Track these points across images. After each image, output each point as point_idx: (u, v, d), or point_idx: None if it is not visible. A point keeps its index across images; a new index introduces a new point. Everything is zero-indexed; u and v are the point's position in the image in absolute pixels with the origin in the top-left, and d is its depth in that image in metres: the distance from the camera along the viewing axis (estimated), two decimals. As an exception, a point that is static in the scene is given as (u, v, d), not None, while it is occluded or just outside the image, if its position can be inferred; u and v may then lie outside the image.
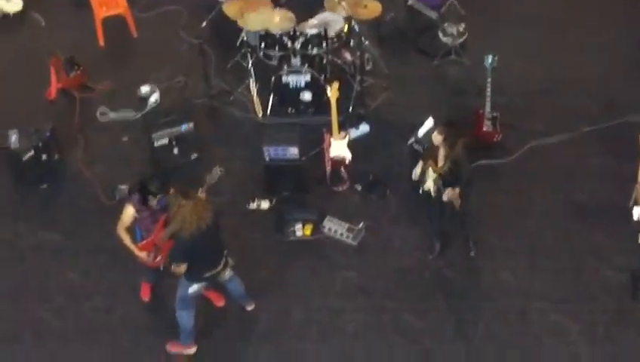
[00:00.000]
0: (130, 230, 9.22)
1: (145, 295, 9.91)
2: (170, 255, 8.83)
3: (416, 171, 9.54)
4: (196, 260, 8.72)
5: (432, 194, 9.55)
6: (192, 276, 8.88)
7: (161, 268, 9.44)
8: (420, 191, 9.67)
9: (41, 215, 10.78)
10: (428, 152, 9.46)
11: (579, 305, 9.66)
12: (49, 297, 10.00)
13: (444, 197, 9.37)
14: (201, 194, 8.88)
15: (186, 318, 9.16)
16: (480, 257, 10.07)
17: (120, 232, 9.15)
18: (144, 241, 9.19)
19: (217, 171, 9.11)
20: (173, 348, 9.44)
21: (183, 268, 8.69)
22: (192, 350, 9.41)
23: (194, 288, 8.96)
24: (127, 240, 9.17)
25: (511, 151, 11.01)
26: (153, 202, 9.01)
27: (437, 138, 9.22)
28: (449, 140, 9.15)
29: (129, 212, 9.12)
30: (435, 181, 9.44)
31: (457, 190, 9.32)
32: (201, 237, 8.56)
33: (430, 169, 9.41)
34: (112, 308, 9.87)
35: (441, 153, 9.27)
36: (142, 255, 9.22)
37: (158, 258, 9.26)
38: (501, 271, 9.98)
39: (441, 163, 9.31)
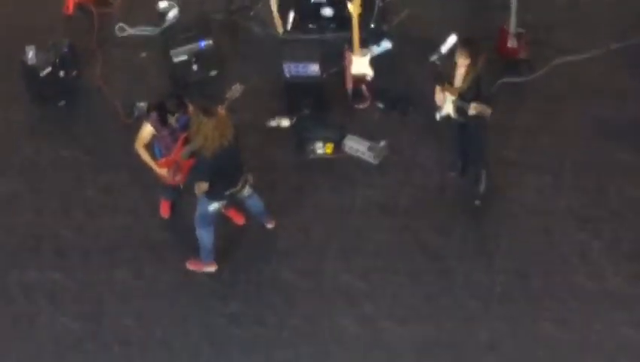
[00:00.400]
0: (149, 147, 9.21)
1: (165, 212, 9.94)
2: (192, 174, 8.80)
3: (439, 97, 9.35)
4: (217, 178, 8.70)
5: (453, 115, 9.38)
6: (212, 194, 8.86)
7: (181, 186, 9.44)
8: (438, 118, 9.52)
9: (60, 132, 10.85)
10: (441, 77, 9.29)
11: (603, 223, 9.63)
12: (69, 214, 10.12)
13: (471, 111, 9.08)
14: (222, 111, 8.82)
15: (205, 236, 9.16)
16: (503, 174, 10.02)
17: (139, 149, 9.16)
18: (164, 159, 9.18)
19: (238, 88, 9.09)
20: (193, 266, 9.47)
21: (204, 186, 8.66)
22: (212, 268, 9.44)
23: (214, 206, 8.95)
24: (145, 157, 9.18)
25: (536, 68, 10.88)
26: (172, 120, 8.97)
27: (461, 59, 9.05)
28: (472, 59, 8.99)
29: (147, 130, 9.11)
30: (454, 103, 9.26)
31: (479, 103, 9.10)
32: (223, 154, 8.54)
33: (446, 93, 9.23)
34: (131, 226, 9.93)
35: (460, 73, 9.13)
36: (162, 172, 9.21)
37: (178, 176, 9.23)
38: (525, 189, 9.97)
39: (459, 83, 9.16)
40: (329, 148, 10.42)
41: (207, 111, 8.49)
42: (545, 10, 11.32)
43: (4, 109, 11.02)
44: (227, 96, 9.04)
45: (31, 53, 10.76)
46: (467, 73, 9.07)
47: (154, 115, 9.06)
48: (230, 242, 9.73)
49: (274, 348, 9.10)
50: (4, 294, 9.55)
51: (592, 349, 8.89)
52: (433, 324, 9.13)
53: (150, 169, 9.26)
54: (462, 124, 9.41)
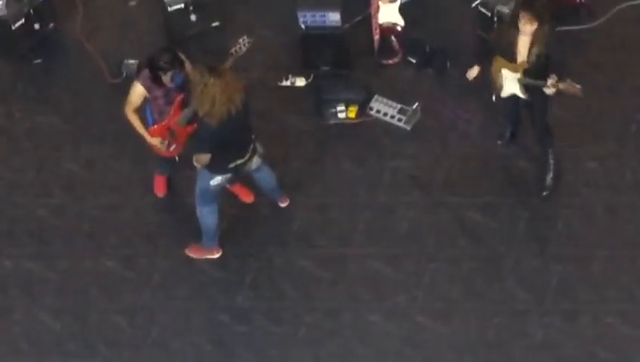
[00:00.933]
0: (140, 112, 9.17)
1: (159, 190, 9.92)
2: (192, 143, 8.72)
3: (472, 73, 9.25)
4: (222, 148, 8.63)
5: (521, 95, 9.10)
6: (215, 167, 8.78)
7: (177, 159, 9.42)
8: (494, 99, 9.38)
9: (36, 95, 10.89)
10: (495, 50, 9.08)
11: None
12: (48, 192, 10.15)
13: (551, 90, 8.69)
14: (229, 70, 8.78)
15: (208, 216, 9.11)
16: (559, 143, 9.92)
17: (128, 114, 9.12)
18: (157, 125, 9.15)
19: (245, 42, 9.05)
20: (193, 253, 9.45)
21: (206, 158, 8.59)
22: (216, 254, 9.43)
23: (217, 180, 8.88)
24: (136, 123, 9.14)
25: (598, 14, 10.87)
26: (166, 79, 8.91)
27: (525, 25, 8.68)
28: (540, 23, 8.66)
29: (138, 91, 9.07)
30: (520, 80, 8.95)
31: (562, 79, 8.68)
32: (231, 122, 8.43)
33: (505, 70, 8.98)
34: (119, 206, 9.90)
35: (524, 42, 8.79)
36: (154, 142, 9.20)
37: (174, 146, 9.22)
38: (586, 161, 10.00)
39: (523, 55, 8.84)
40: (352, 112, 10.42)
41: (214, 70, 8.35)
42: None
43: None
44: (232, 51, 8.99)
45: (1, 3, 10.74)
46: (533, 42, 8.75)
47: (145, 72, 9.00)
48: (237, 224, 9.73)
49: (289, 348, 9.11)
50: (-28, 286, 9.58)
51: None
52: (477, 320, 9.11)
53: (141, 138, 9.20)
54: (527, 102, 9.18)
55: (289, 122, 10.36)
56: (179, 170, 9.67)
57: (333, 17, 10.43)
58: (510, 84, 9.02)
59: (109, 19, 11.31)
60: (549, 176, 9.58)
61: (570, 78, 8.57)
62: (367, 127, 10.35)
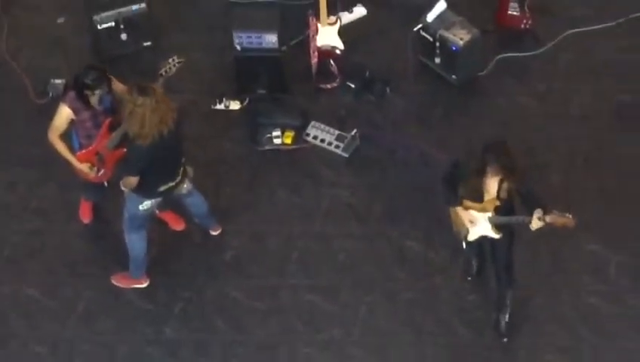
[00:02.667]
0: (66, 137, 9.13)
1: (85, 216, 9.90)
2: (121, 166, 8.71)
3: (460, 222, 8.58)
4: (152, 171, 8.60)
5: (495, 235, 8.44)
6: (144, 190, 8.76)
7: (106, 184, 9.40)
8: (464, 246, 8.88)
9: None
10: (455, 195, 8.44)
11: (623, 233, 9.66)
12: None
13: (537, 224, 8.02)
14: (159, 90, 8.75)
15: (136, 243, 9.09)
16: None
17: (52, 139, 9.05)
18: (84, 150, 9.11)
19: (175, 62, 9.02)
20: (120, 282, 9.43)
21: (135, 180, 8.55)
22: (145, 283, 9.41)
23: (146, 205, 8.87)
24: (62, 148, 9.09)
25: (543, 41, 10.97)
26: (94, 100, 8.87)
27: (491, 180, 8.11)
28: (507, 171, 8.02)
29: (64, 113, 9.00)
30: (491, 220, 8.36)
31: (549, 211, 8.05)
32: (162, 143, 8.40)
33: (472, 212, 8.40)
34: (43, 232, 9.83)
35: (492, 181, 8.18)
36: (82, 167, 9.15)
37: (102, 171, 9.20)
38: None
39: (492, 193, 8.20)
40: (288, 138, 10.44)
41: (144, 90, 8.31)
42: None
43: None
44: (161, 72, 8.95)
45: None
46: (503, 178, 8.12)
47: (71, 94, 8.95)
48: (167, 252, 9.71)
49: None
50: None
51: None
52: (415, 354, 9.11)
53: (67, 163, 9.16)
54: (505, 243, 8.59)
55: (222, 147, 10.36)
56: (106, 196, 9.60)
57: (270, 39, 10.46)
58: (480, 226, 8.48)
59: (35, 37, 11.28)
60: (506, 316, 9.00)
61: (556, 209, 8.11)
62: (304, 154, 10.35)
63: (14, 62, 10.99)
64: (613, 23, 10.98)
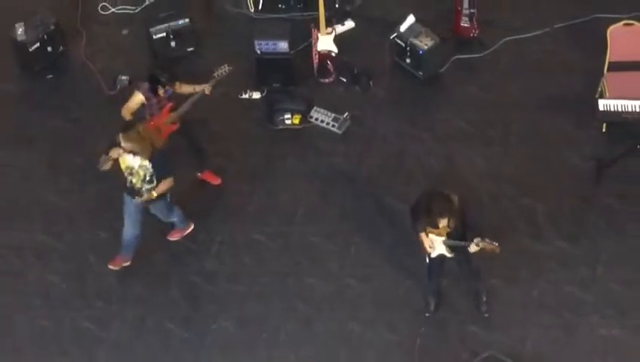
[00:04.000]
0: (135, 114, 9.07)
1: (213, 178, 9.81)
2: (160, 174, 8.55)
3: (426, 242, 8.20)
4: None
5: (448, 254, 8.24)
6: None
7: None
8: (427, 260, 8.47)
9: (48, 104, 10.69)
10: (421, 225, 8.13)
11: (544, 189, 9.63)
12: (57, 179, 10.02)
13: (473, 248, 7.91)
14: (209, 87, 8.99)
15: (176, 211, 9.09)
16: (455, 144, 10.03)
17: (125, 114, 9.01)
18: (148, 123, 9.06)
19: (226, 68, 9.18)
20: (175, 236, 9.44)
21: (170, 181, 8.55)
22: (190, 228, 9.40)
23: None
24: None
25: (487, 45, 10.84)
26: (162, 92, 8.94)
27: (441, 232, 7.94)
28: (453, 218, 7.81)
29: (137, 99, 9.03)
30: (445, 242, 8.12)
31: (482, 239, 7.90)
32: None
33: (432, 236, 8.12)
34: (114, 191, 9.58)
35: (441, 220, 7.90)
36: None
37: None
38: (475, 157, 9.93)
39: (444, 223, 7.84)
40: (297, 119, 10.33)
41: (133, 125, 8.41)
42: None
43: None
44: (215, 75, 9.09)
45: (20, 30, 10.60)
46: (449, 218, 7.88)
47: (145, 85, 8.97)
48: (206, 204, 9.65)
49: (246, 303, 9.04)
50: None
51: (536, 304, 8.89)
52: (391, 281, 9.09)
53: None
54: (458, 258, 8.37)
55: (247, 126, 10.27)
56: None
57: (283, 45, 10.40)
58: (437, 247, 8.21)
59: (106, 44, 11.16)
60: (484, 305, 8.78)
61: (487, 237, 7.91)
62: (308, 132, 10.29)
63: (91, 63, 10.89)
64: (542, 32, 10.86)
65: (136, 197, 8.58)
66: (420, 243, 8.28)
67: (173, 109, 9.07)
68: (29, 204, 9.75)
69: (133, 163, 8.45)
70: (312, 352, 8.72)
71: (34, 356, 8.78)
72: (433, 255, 8.34)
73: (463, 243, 8.03)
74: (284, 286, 9.13)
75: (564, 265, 9.09)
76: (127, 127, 8.37)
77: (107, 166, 8.50)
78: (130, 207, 8.77)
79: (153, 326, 8.90)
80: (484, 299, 8.79)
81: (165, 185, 8.56)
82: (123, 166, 8.51)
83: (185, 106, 9.12)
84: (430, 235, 8.12)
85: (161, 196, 8.62)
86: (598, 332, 8.72)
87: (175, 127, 9.21)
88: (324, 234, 9.46)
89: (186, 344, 8.80)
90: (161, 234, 9.36)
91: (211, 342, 8.80)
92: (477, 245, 7.94)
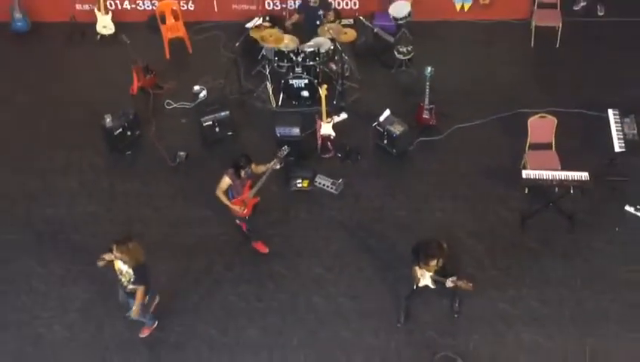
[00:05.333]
0: (225, 193, 9.04)
1: (262, 248, 9.57)
2: (140, 281, 8.12)
3: (417, 273, 8.19)
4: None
5: (432, 286, 8.24)
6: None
7: (246, 218, 9.29)
8: (415, 287, 8.33)
9: (127, 171, 10.65)
10: (417, 261, 8.12)
11: (485, 233, 9.61)
12: (131, 221, 9.90)
13: (449, 284, 7.96)
14: (277, 163, 8.99)
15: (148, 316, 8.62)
16: (420, 200, 10.01)
17: (219, 195, 8.95)
18: (236, 199, 9.08)
19: (285, 148, 9.29)
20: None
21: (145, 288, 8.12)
22: (155, 324, 8.79)
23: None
24: (224, 199, 9.00)
25: (442, 131, 10.80)
26: (243, 173, 8.87)
27: (430, 269, 7.99)
28: (440, 258, 7.93)
29: (226, 181, 8.90)
30: (432, 277, 8.15)
31: (459, 279, 7.99)
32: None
33: (424, 271, 8.11)
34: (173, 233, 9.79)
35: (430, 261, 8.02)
36: (235, 208, 9.08)
37: (245, 209, 9.16)
38: (434, 211, 9.89)
39: (433, 263, 8.01)
40: (305, 183, 10.32)
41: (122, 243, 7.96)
42: (447, 93, 11.26)
43: (91, 156, 10.82)
44: (278, 154, 9.19)
45: (108, 120, 10.70)
46: (437, 260, 8.03)
47: (230, 170, 8.82)
48: (241, 247, 9.68)
49: (268, 315, 8.99)
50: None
51: (477, 317, 8.83)
52: (373, 300, 9.06)
53: (226, 207, 9.08)
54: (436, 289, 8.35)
55: (270, 188, 10.06)
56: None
57: (295, 131, 10.48)
58: (425, 279, 8.20)
59: (169, 130, 11.14)
60: (457, 305, 8.77)
61: (464, 279, 8.02)
62: (313, 192, 10.23)
63: (158, 143, 10.90)
64: (481, 121, 10.84)
65: (125, 294, 8.23)
66: (413, 274, 8.18)
67: (251, 186, 8.95)
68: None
69: (123, 267, 8.09)
70: (316, 353, 8.64)
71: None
72: (420, 284, 8.20)
73: (443, 279, 8.00)
74: (296, 304, 9.09)
75: (497, 288, 9.05)
76: (122, 240, 7.91)
77: (101, 263, 8.06)
78: (121, 297, 8.47)
79: (202, 332, 8.84)
80: (457, 305, 8.76)
81: (140, 292, 8.07)
82: (116, 267, 8.12)
83: (262, 180, 8.99)
84: (422, 269, 8.07)
85: (139, 300, 8.17)
86: (522, 337, 8.70)
87: (257, 200, 9.08)
88: (325, 266, 9.41)
89: (225, 346, 8.74)
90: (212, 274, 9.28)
91: (243, 345, 8.76)
92: (452, 282, 7.93)
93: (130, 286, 8.14)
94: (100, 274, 8.98)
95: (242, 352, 8.68)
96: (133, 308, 8.20)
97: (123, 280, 8.15)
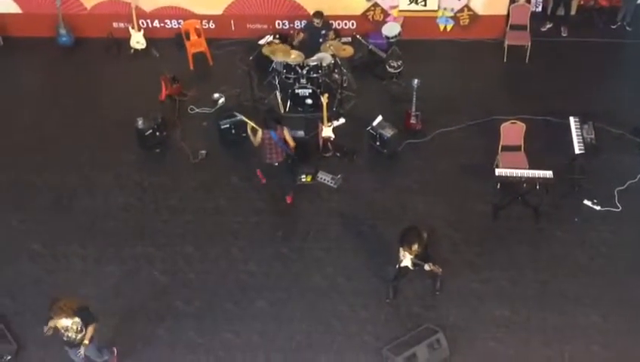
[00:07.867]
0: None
1: (290, 199, 9.76)
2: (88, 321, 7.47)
3: (402, 255, 8.13)
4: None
5: (411, 267, 8.21)
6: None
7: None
8: (397, 267, 8.30)
9: (156, 167, 10.58)
10: (401, 245, 8.09)
11: (462, 223, 9.57)
12: (159, 212, 9.86)
13: (427, 268, 8.05)
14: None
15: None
16: (405, 197, 9.86)
17: (256, 143, 9.30)
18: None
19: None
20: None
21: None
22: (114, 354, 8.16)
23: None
24: (289, 138, 9.28)
25: (426, 135, 10.72)
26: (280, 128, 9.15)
27: (412, 252, 7.96)
28: (419, 245, 7.96)
29: (260, 134, 9.25)
30: (412, 260, 8.12)
31: (433, 265, 8.06)
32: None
33: (406, 253, 8.08)
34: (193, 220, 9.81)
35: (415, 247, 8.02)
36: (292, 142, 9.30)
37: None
38: (418, 203, 9.78)
39: (415, 248, 8.03)
40: (309, 178, 10.25)
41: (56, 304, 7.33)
42: (431, 102, 11.19)
43: (125, 154, 10.78)
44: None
45: (140, 122, 10.67)
46: (418, 245, 8.06)
47: (279, 126, 9.17)
48: (254, 235, 9.54)
49: (275, 290, 8.98)
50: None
51: (455, 294, 8.85)
52: (365, 279, 9.05)
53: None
54: (414, 271, 8.31)
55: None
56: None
57: (300, 133, 10.49)
58: (406, 261, 8.17)
59: (192, 131, 11.06)
60: (439, 284, 8.76)
61: (436, 264, 8.09)
62: (315, 186, 10.17)
63: (183, 142, 10.87)
64: (459, 127, 10.77)
65: (77, 350, 7.50)
66: (397, 255, 8.20)
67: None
68: (143, 227, 9.60)
69: (67, 323, 7.42)
70: (316, 323, 8.68)
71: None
72: (402, 264, 8.23)
73: (421, 262, 8.08)
74: (300, 281, 9.06)
75: (472, 270, 9.06)
76: (51, 307, 7.30)
77: (49, 333, 7.37)
78: (74, 357, 7.71)
79: (219, 305, 8.83)
80: (438, 285, 8.75)
81: (90, 330, 7.45)
82: (61, 326, 7.43)
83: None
84: (405, 252, 8.08)
85: (90, 340, 7.50)
86: (493, 311, 8.73)
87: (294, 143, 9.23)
88: (325, 249, 9.38)
89: (238, 316, 8.74)
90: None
91: (253, 315, 8.76)
92: (429, 266, 8.08)
93: (81, 335, 7.45)
94: (129, 257, 9.23)
95: (253, 321, 8.71)
96: (85, 341, 7.45)
97: (71, 334, 7.44)
